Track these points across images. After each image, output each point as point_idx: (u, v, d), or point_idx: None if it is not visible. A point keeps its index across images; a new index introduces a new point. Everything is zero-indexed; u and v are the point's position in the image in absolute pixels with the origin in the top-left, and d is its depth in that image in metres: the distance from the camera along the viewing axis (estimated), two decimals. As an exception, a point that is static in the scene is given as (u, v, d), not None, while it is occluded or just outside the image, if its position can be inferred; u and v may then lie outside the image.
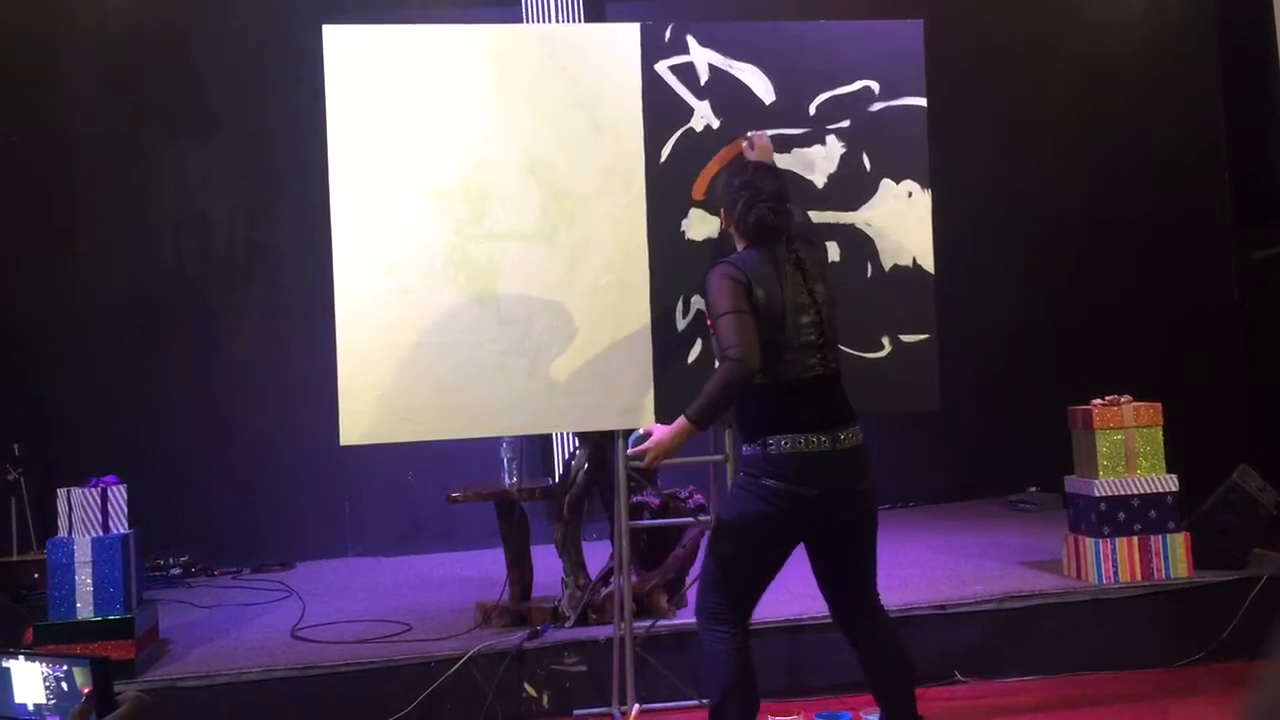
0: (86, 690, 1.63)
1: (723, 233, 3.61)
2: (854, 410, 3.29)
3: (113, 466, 4.73)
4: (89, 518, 4.35)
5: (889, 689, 3.39)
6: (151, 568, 6.07)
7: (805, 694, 4.30)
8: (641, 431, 3.35)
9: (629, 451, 3.38)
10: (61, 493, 4.39)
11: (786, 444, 3.14)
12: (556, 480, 5.15)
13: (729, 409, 3.20)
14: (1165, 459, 4.81)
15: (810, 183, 4.04)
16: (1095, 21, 7.78)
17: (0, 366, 6.55)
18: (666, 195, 3.97)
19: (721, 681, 3.22)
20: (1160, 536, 4.72)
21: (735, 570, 3.25)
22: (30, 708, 1.68)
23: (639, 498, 4.53)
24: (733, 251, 3.37)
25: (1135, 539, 4.71)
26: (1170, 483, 4.79)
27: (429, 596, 5.44)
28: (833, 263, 4.04)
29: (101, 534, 4.33)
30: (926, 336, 4.09)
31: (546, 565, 4.86)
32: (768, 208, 3.25)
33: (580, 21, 6.86)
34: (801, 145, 4.05)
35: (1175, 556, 4.72)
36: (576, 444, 4.85)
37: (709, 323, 3.28)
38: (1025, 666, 4.49)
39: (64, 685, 1.66)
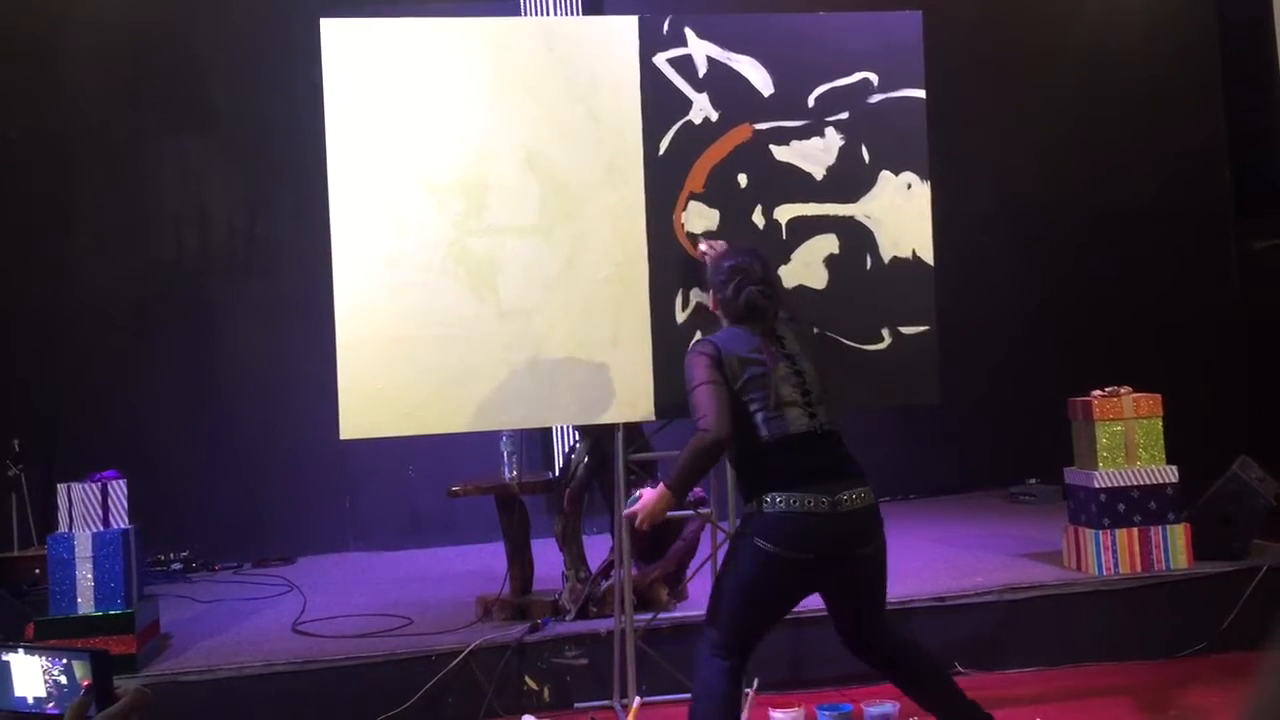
0: (86, 683, 1.63)
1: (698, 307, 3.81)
2: (860, 469, 3.22)
3: (113, 461, 4.73)
4: (89, 513, 4.35)
5: (931, 694, 3.36)
6: (152, 563, 6.08)
7: (806, 686, 4.30)
8: (636, 494, 3.36)
9: (624, 513, 3.44)
10: (62, 488, 4.40)
11: (781, 503, 3.10)
12: (557, 474, 5.15)
13: (704, 475, 3.28)
14: (1165, 450, 4.81)
15: (809, 175, 4.04)
16: (1096, 13, 7.78)
17: (0, 362, 6.55)
18: (665, 188, 3.96)
19: (705, 713, 3.16)
20: (1160, 528, 4.72)
21: (735, 617, 3.20)
22: (30, 701, 1.68)
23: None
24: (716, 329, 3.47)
25: (1135, 530, 4.71)
26: (1170, 474, 4.79)
27: (429, 590, 5.44)
28: (832, 255, 4.04)
29: (102, 529, 4.33)
30: (926, 328, 4.08)
31: (547, 559, 4.87)
32: (758, 290, 3.37)
33: (578, 14, 6.85)
34: (800, 137, 4.04)
35: (1175, 548, 4.72)
36: (576, 437, 4.86)
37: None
38: (1026, 658, 4.49)
39: (63, 678, 1.65)
